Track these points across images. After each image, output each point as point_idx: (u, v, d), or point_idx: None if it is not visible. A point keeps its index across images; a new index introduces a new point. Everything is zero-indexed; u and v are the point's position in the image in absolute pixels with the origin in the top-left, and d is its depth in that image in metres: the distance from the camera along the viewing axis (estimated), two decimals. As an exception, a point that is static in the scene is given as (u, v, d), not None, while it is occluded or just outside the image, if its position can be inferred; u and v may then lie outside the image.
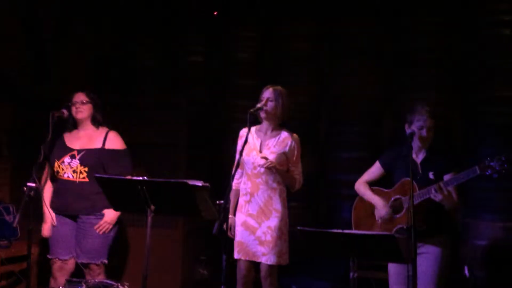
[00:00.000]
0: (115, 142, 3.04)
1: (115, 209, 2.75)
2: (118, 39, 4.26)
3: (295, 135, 2.87)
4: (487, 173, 2.46)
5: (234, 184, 2.86)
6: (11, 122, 3.95)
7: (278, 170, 2.76)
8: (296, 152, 2.84)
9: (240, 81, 4.24)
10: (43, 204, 2.94)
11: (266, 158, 2.74)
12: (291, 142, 2.82)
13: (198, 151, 4.02)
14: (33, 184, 2.65)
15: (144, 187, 2.32)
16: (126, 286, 2.56)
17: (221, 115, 4.23)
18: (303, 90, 4.15)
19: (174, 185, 2.31)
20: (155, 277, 2.80)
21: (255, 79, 4.10)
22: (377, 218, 2.78)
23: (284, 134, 2.84)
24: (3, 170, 3.88)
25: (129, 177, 2.65)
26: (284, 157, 2.82)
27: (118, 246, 3.21)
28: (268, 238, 2.76)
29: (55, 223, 2.96)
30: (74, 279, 2.61)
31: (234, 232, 2.83)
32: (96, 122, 3.04)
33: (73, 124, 3.03)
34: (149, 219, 2.37)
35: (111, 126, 3.13)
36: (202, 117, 4.20)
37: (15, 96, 3.95)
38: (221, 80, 4.33)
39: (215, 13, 4.18)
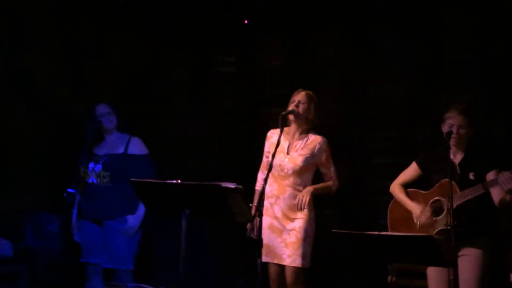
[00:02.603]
0: (137, 147, 3.10)
1: (151, 214, 2.79)
2: (151, 52, 4.37)
3: (322, 137, 2.86)
4: None
5: (261, 185, 2.87)
6: (51, 136, 4.10)
7: (315, 193, 2.77)
8: (325, 153, 2.83)
9: (270, 89, 4.27)
10: (68, 210, 3.04)
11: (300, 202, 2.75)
12: (319, 145, 2.82)
13: (229, 159, 4.05)
14: (73, 190, 2.76)
15: (178, 191, 2.35)
16: (162, 291, 2.58)
17: (252, 123, 4.26)
18: (334, 97, 4.14)
19: (207, 187, 2.33)
20: (191, 285, 2.80)
21: (285, 87, 4.11)
22: (415, 221, 2.70)
23: (312, 137, 2.84)
24: (44, 180, 4.02)
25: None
26: (311, 160, 2.81)
27: (150, 251, 3.24)
28: (293, 239, 2.74)
29: (74, 231, 3.05)
30: (114, 283, 2.65)
31: (258, 233, 2.79)
32: (121, 130, 3.14)
33: (98, 136, 3.11)
34: (184, 223, 2.39)
35: (144, 136, 3.21)
36: (233, 125, 4.25)
37: (54, 111, 4.11)
38: (251, 89, 4.37)
39: (246, 21, 4.25)
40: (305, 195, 2.75)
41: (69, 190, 2.79)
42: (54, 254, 3.70)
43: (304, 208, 2.75)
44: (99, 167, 3.02)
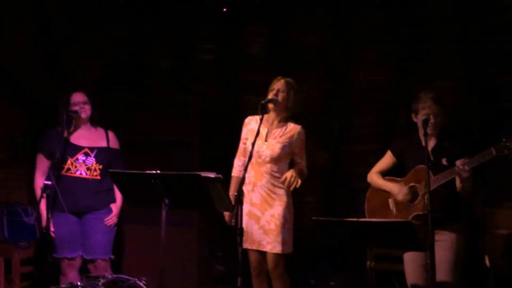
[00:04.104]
0: (115, 141, 3.13)
1: (131, 204, 2.78)
2: (132, 40, 4.30)
3: (301, 127, 2.88)
4: (503, 154, 2.40)
5: (237, 172, 2.87)
6: (26, 125, 4.02)
7: (301, 179, 2.76)
8: (302, 143, 2.85)
9: (252, 76, 4.24)
10: (46, 203, 2.86)
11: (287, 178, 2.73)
12: (297, 134, 2.84)
13: (212, 147, 4.04)
14: (49, 182, 2.71)
15: (157, 181, 2.33)
16: (143, 281, 2.57)
17: (234, 111, 4.24)
18: (315, 83, 4.14)
19: (187, 177, 2.32)
20: (172, 274, 2.80)
21: (266, 74, 4.09)
22: (391, 208, 2.74)
23: (290, 126, 2.86)
24: (21, 173, 3.95)
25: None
26: (288, 148, 2.83)
27: (130, 241, 3.24)
28: (272, 226, 2.76)
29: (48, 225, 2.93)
30: (91, 275, 2.63)
31: (239, 222, 2.80)
32: (94, 121, 3.08)
33: (69, 124, 3.01)
34: (164, 213, 2.38)
35: (124, 125, 3.18)
36: (215, 113, 4.22)
37: (30, 99, 4.02)
38: (233, 77, 4.34)
39: (224, 9, 4.20)
40: (295, 177, 2.72)
41: (45, 182, 2.73)
42: (31, 246, 3.66)
43: (292, 187, 2.74)
44: (91, 160, 2.98)
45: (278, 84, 2.85)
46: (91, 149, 3.01)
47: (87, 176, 2.97)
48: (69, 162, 2.99)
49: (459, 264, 2.57)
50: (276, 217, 2.77)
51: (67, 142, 2.98)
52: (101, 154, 3.01)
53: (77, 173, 2.97)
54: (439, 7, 3.85)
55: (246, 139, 2.89)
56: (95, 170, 2.98)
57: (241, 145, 2.94)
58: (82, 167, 2.97)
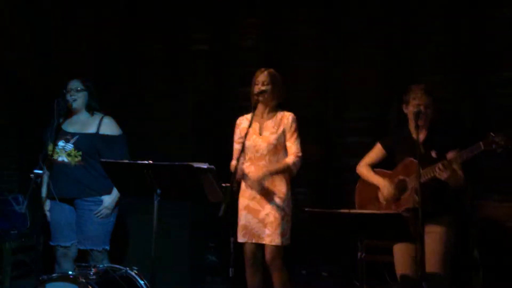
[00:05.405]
0: (109, 127, 3.01)
1: (122, 195, 2.76)
2: (123, 29, 4.26)
3: (289, 112, 2.90)
4: (492, 149, 2.43)
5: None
6: (17, 114, 3.98)
7: (271, 173, 2.78)
8: (292, 128, 2.86)
9: (245, 68, 4.22)
10: (42, 189, 2.93)
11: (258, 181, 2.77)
12: (287, 120, 2.87)
13: (203, 138, 4.03)
14: (40, 171, 2.69)
15: (149, 171, 2.33)
16: (135, 271, 2.58)
17: (226, 102, 4.23)
18: (308, 76, 4.14)
19: (179, 168, 2.32)
20: (164, 264, 2.81)
21: (260, 66, 4.08)
22: (381, 200, 2.76)
23: (280, 114, 2.90)
24: (11, 161, 3.93)
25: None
26: (282, 136, 2.86)
27: (122, 231, 3.24)
28: (271, 219, 2.78)
29: (48, 208, 2.98)
30: (83, 264, 2.63)
31: (232, 213, 2.82)
32: (91, 109, 3.03)
33: (67, 111, 3.00)
34: (156, 203, 2.39)
35: (117, 116, 3.14)
36: (207, 104, 4.21)
37: (21, 88, 3.99)
38: (226, 68, 4.32)
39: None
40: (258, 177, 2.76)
41: (36, 170, 2.71)
42: (22, 235, 3.64)
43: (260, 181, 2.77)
44: (69, 146, 2.94)
45: (262, 77, 2.89)
46: (73, 135, 2.96)
47: (69, 163, 2.93)
48: (50, 147, 2.94)
49: (448, 256, 2.61)
50: (276, 210, 2.79)
51: (58, 130, 2.95)
52: (82, 140, 2.94)
53: (60, 159, 2.94)
54: (434, 2, 3.86)
55: (241, 138, 2.90)
56: (75, 156, 2.93)
57: (236, 146, 2.94)
58: (63, 153, 2.93)
